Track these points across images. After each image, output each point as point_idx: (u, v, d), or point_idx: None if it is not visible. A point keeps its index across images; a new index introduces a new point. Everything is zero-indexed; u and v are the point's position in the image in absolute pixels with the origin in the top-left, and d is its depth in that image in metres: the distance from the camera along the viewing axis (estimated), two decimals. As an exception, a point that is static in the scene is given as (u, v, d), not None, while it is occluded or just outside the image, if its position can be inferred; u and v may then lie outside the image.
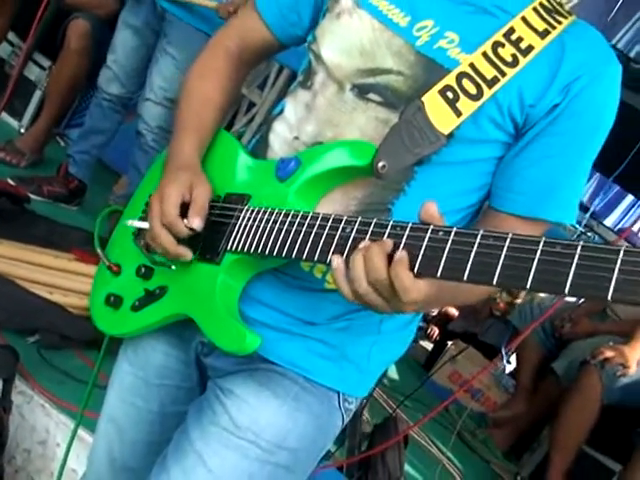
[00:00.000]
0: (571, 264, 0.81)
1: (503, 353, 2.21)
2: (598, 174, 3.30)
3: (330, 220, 1.04)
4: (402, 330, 1.28)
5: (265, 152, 1.25)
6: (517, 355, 4.25)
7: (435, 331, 5.06)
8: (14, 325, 2.31)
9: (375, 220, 0.99)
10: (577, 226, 2.07)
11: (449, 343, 4.55)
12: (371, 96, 1.16)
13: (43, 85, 3.96)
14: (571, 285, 0.81)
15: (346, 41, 1.19)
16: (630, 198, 5.28)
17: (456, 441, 3.57)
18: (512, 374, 4.43)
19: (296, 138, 1.21)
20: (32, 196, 3.25)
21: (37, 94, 4.01)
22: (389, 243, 0.94)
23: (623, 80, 1.97)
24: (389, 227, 0.97)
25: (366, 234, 0.98)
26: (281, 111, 1.27)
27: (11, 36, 4.02)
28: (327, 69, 1.20)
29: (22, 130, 4.02)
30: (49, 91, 3.81)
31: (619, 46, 5.89)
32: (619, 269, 0.78)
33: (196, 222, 1.16)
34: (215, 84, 1.34)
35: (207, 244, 1.19)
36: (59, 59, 3.69)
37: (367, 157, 1.09)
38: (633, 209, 5.56)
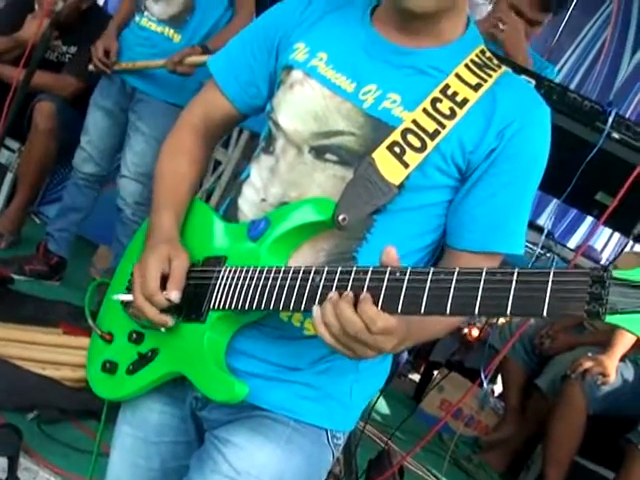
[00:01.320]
0: (510, 289, 0.94)
1: (482, 377, 2.31)
2: (555, 200, 3.48)
3: (300, 272, 1.15)
4: (379, 365, 1.38)
5: (236, 215, 1.36)
6: (502, 377, 4.34)
7: (421, 363, 5.14)
8: (12, 404, 2.38)
9: (340, 268, 1.11)
10: (535, 248, 2.20)
11: (435, 372, 4.64)
12: (328, 156, 1.28)
13: (14, 167, 4.04)
14: (512, 307, 0.93)
15: (301, 109, 1.31)
16: (589, 219, 5.44)
17: (453, 468, 3.64)
18: (500, 396, 4.52)
19: (263, 200, 1.32)
20: (15, 276, 3.34)
21: (9, 176, 4.08)
22: (351, 295, 1.06)
23: (561, 109, 2.12)
24: (353, 273, 1.09)
25: (333, 282, 1.10)
26: (247, 176, 1.39)
27: (-22, 124, 4.11)
28: (286, 135, 1.32)
29: (-4, 214, 4.10)
30: (20, 173, 3.90)
31: (566, 68, 6.10)
32: (550, 289, 0.90)
33: (173, 294, 1.27)
34: (186, 159, 1.45)
35: (191, 306, 1.30)
36: (28, 141, 3.79)
37: (328, 212, 1.21)
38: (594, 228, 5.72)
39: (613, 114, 1.98)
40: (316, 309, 1.09)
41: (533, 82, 1.99)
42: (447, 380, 4.13)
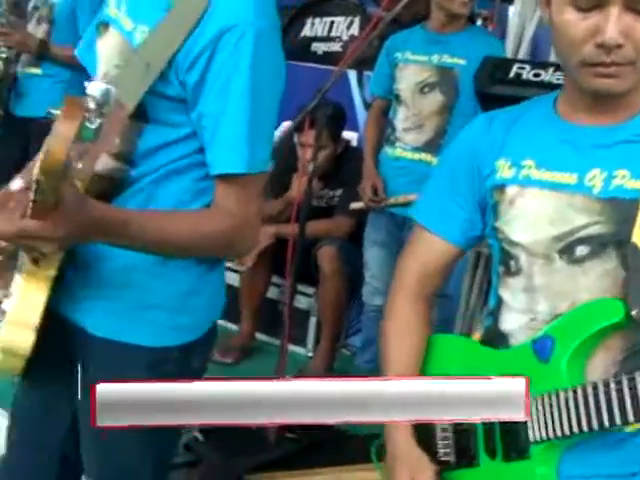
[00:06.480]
0: None
1: None
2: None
3: (611, 383, 1.17)
4: None
5: (506, 341, 1.36)
6: None
7: None
8: None
9: None
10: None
11: None
12: (579, 252, 1.26)
13: (315, 311, 4.33)
14: None
15: (532, 219, 1.31)
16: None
17: None
18: None
19: (532, 320, 1.31)
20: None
21: (312, 320, 4.37)
22: None
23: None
24: None
25: None
26: (499, 302, 1.39)
27: (274, 278, 4.46)
28: (526, 249, 1.32)
29: (310, 354, 4.37)
30: (321, 315, 4.16)
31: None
32: None
33: None
34: (409, 342, 1.48)
35: (506, 444, 1.30)
36: (320, 285, 4.04)
37: (619, 312, 1.19)
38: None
39: None
40: None
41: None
42: None
